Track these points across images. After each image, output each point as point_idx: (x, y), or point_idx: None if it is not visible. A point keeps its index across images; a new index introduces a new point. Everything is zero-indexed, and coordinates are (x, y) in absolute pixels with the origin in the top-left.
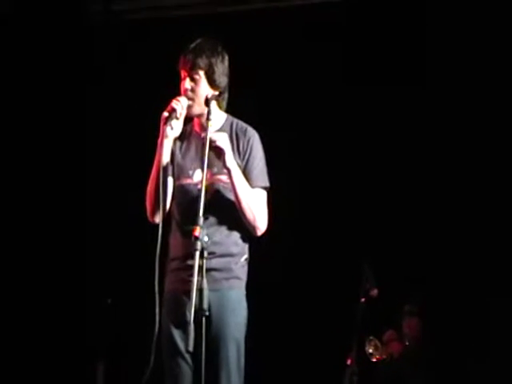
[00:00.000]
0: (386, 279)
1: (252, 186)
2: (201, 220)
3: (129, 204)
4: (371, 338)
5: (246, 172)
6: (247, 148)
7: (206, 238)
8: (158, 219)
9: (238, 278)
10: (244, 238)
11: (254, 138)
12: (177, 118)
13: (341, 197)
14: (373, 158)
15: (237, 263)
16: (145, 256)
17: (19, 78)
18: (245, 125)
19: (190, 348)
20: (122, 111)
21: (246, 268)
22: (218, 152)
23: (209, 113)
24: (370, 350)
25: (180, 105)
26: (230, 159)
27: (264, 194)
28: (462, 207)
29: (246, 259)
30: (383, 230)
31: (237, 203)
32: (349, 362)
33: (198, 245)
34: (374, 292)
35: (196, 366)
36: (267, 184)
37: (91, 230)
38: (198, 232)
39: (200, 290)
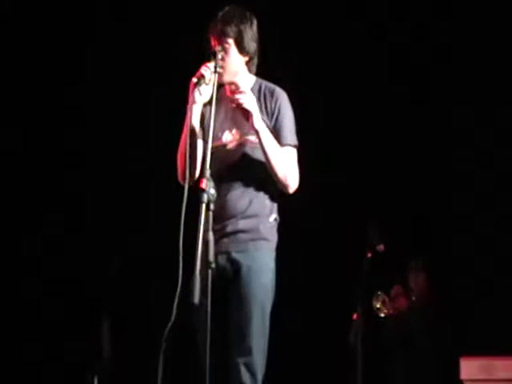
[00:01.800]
0: (392, 234)
1: (282, 144)
2: (207, 172)
3: (131, 159)
4: (379, 293)
5: (275, 131)
6: (275, 108)
7: (212, 191)
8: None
9: (265, 239)
10: (272, 198)
11: (283, 97)
12: (206, 84)
13: (347, 152)
14: (381, 115)
15: (265, 224)
16: (154, 213)
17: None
18: (273, 85)
19: (196, 300)
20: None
21: (274, 229)
22: (245, 114)
23: (216, 66)
24: (378, 306)
25: (209, 71)
26: (258, 120)
27: (294, 151)
28: (467, 161)
29: (275, 219)
30: (389, 185)
31: (267, 163)
32: (355, 316)
33: (205, 197)
34: (381, 247)
35: (225, 321)
36: (296, 142)
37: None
38: (204, 184)
39: (206, 243)
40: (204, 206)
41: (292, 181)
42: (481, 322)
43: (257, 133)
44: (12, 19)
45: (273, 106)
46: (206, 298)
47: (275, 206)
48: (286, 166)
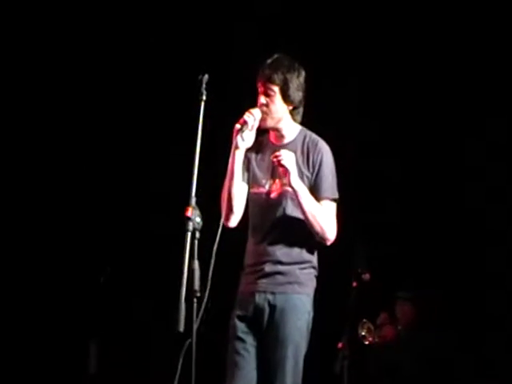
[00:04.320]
0: (378, 264)
1: (321, 197)
2: (193, 200)
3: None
4: (364, 320)
5: (315, 184)
6: (317, 160)
7: (197, 219)
8: (233, 224)
9: (302, 283)
10: (311, 249)
11: (325, 150)
12: (249, 130)
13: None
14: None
15: (302, 269)
16: (145, 234)
17: None
18: (317, 138)
19: (181, 328)
20: None
21: (312, 275)
22: (283, 171)
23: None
24: (363, 333)
25: (252, 117)
26: (295, 179)
27: (333, 205)
28: (455, 194)
29: (313, 267)
30: (376, 214)
31: (304, 218)
32: (340, 345)
33: (190, 225)
34: (366, 276)
35: (261, 358)
36: (336, 196)
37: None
38: (189, 212)
39: (191, 271)
40: (189, 234)
41: (329, 234)
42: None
43: (294, 191)
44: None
45: (315, 158)
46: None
47: (315, 254)
48: (324, 220)
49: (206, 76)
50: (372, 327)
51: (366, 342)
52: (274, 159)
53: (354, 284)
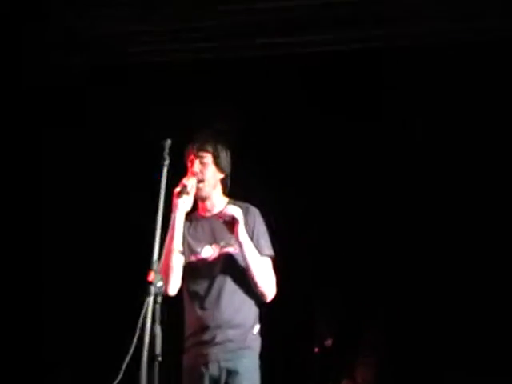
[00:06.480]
0: (341, 325)
1: (261, 254)
2: (155, 265)
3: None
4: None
5: (254, 243)
6: (251, 221)
7: (159, 284)
8: (173, 292)
9: (251, 348)
10: (256, 307)
11: (256, 213)
12: (187, 194)
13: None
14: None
15: (250, 335)
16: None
17: None
18: (246, 204)
19: None
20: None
21: (259, 340)
22: (231, 224)
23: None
24: None
25: (190, 181)
26: (243, 232)
27: (270, 262)
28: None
29: (258, 331)
30: (335, 274)
31: (248, 272)
32: None
33: (152, 290)
34: (328, 342)
35: None
36: (272, 253)
37: None
38: (151, 277)
39: (153, 336)
40: (151, 298)
41: (270, 290)
42: None
43: (240, 245)
44: None
45: (249, 220)
46: None
47: (257, 315)
48: (265, 275)
49: (169, 141)
50: None
51: None
52: (224, 216)
53: (316, 350)
